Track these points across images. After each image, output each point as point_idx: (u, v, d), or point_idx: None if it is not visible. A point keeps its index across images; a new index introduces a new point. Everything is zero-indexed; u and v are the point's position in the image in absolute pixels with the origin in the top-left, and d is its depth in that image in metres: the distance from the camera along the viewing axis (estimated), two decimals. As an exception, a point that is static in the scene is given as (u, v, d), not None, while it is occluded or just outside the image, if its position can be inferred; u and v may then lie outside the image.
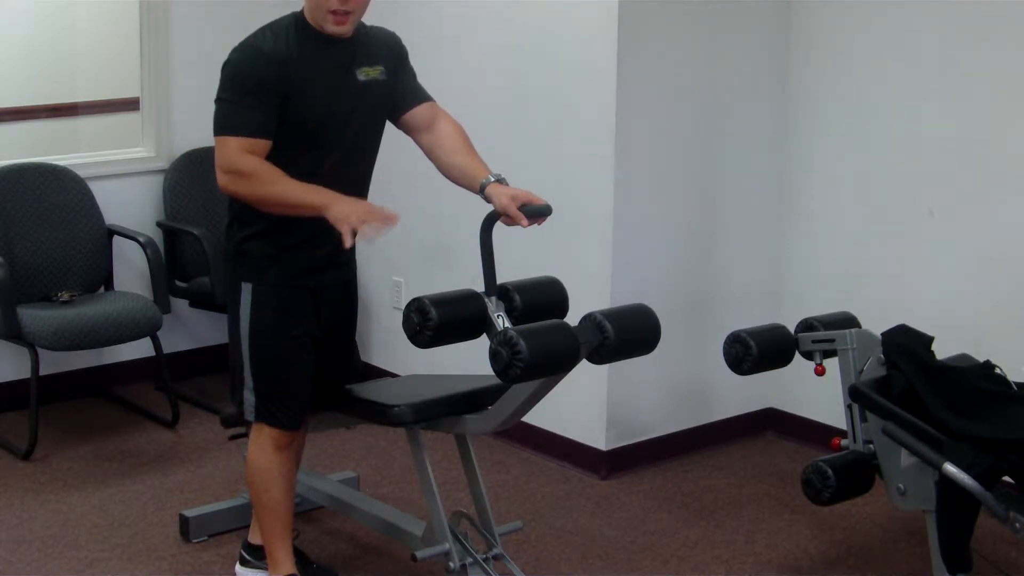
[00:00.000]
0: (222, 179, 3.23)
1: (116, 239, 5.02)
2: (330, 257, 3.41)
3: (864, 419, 3.61)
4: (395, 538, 3.71)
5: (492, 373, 3.06)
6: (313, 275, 3.38)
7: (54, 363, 4.96)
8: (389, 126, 3.50)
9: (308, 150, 3.28)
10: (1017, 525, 3.27)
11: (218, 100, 3.23)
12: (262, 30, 3.26)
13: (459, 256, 4.77)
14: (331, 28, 3.22)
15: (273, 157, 3.23)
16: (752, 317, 4.34)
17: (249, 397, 3.41)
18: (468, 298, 3.30)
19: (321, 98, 3.25)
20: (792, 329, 3.87)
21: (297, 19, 3.27)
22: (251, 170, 3.18)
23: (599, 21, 4.29)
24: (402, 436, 3.82)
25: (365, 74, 3.33)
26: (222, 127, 3.21)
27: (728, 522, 4.18)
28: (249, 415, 3.43)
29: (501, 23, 4.66)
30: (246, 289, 3.35)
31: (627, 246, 4.40)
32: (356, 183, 3.39)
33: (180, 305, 5.25)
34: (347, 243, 3.11)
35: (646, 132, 4.42)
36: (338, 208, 3.14)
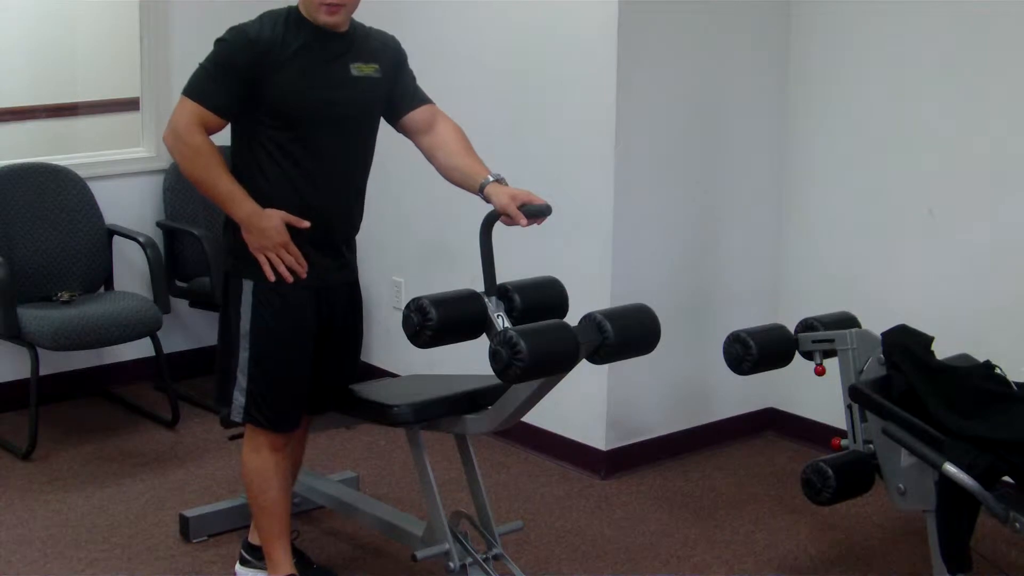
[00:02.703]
0: (169, 137, 3.28)
1: (116, 239, 5.02)
2: (331, 256, 3.40)
3: (864, 419, 3.61)
4: (395, 538, 3.71)
5: (492, 373, 3.07)
6: (315, 274, 3.36)
7: (54, 363, 4.96)
8: (389, 129, 3.50)
9: (299, 143, 3.26)
10: (1017, 525, 3.26)
11: (199, 65, 3.30)
12: (258, 17, 3.31)
13: (459, 256, 4.77)
14: (324, 19, 3.24)
15: (267, 152, 3.25)
16: (752, 317, 4.34)
17: (239, 398, 3.38)
18: (468, 298, 3.30)
19: (305, 85, 3.25)
20: (792, 329, 3.87)
21: (291, 11, 3.29)
22: (197, 148, 3.23)
23: (599, 21, 4.29)
24: (402, 436, 3.82)
25: (359, 69, 3.33)
26: (190, 89, 3.28)
27: (728, 522, 4.18)
28: (236, 416, 3.41)
29: (501, 23, 4.66)
30: (247, 287, 3.33)
31: (627, 246, 4.40)
32: (351, 183, 3.39)
33: (180, 305, 5.25)
34: (269, 276, 3.27)
35: (646, 132, 4.42)
36: (254, 231, 3.24)
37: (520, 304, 3.33)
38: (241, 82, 3.22)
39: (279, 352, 3.35)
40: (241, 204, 3.25)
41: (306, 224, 3.28)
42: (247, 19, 3.31)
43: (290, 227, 3.27)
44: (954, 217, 4.34)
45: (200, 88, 3.26)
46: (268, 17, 3.29)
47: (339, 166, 3.35)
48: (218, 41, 3.27)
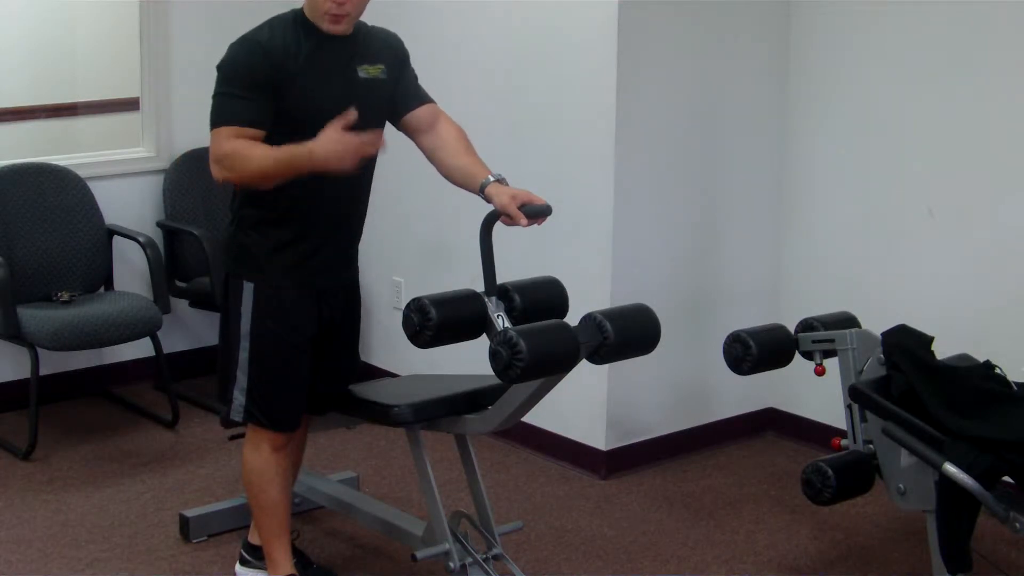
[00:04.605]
0: (213, 169, 3.21)
1: (116, 239, 5.02)
2: (333, 258, 3.40)
3: (864, 419, 3.61)
4: (395, 538, 3.71)
5: (492, 373, 3.07)
6: (316, 276, 3.36)
7: (54, 363, 4.96)
8: (389, 128, 3.50)
9: None
10: (1017, 525, 3.27)
11: (215, 96, 3.22)
12: (262, 25, 3.27)
13: (459, 256, 4.77)
14: (328, 28, 3.23)
15: None
16: (752, 317, 4.34)
17: (239, 397, 3.39)
18: (468, 298, 3.30)
19: (319, 92, 3.24)
20: (792, 329, 3.87)
21: (297, 15, 3.27)
22: (230, 151, 3.15)
23: (599, 21, 4.29)
24: (402, 436, 3.81)
25: (366, 72, 3.33)
26: (217, 118, 3.20)
27: (728, 522, 4.18)
28: (236, 415, 3.42)
29: (502, 24, 4.66)
30: (248, 288, 3.33)
31: (627, 246, 4.40)
32: (357, 184, 3.38)
33: (180, 305, 5.25)
34: (355, 169, 3.11)
35: (646, 132, 4.42)
36: (321, 152, 3.08)
37: (520, 304, 3.33)
38: (268, 88, 3.17)
39: (278, 352, 3.35)
40: (299, 157, 3.10)
41: (354, 115, 3.12)
42: (247, 19, 3.30)
43: (297, 230, 3.28)
44: (954, 217, 4.34)
45: (225, 112, 3.19)
46: (278, 23, 3.25)
47: None
48: (226, 59, 3.21)
